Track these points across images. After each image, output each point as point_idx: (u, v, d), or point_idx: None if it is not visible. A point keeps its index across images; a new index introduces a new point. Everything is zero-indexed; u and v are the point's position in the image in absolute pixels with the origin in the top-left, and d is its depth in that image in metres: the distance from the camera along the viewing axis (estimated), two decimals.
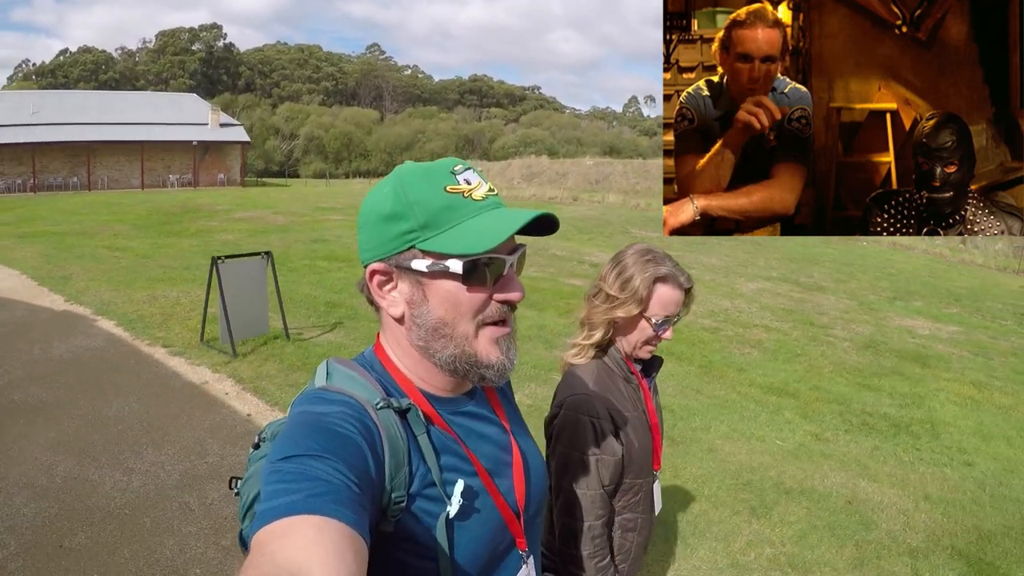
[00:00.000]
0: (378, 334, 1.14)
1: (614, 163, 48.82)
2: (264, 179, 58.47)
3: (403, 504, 0.96)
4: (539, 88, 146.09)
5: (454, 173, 1.04)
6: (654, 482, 2.04)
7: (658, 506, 2.09)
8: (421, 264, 1.01)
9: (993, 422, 7.21)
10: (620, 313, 1.91)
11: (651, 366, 2.09)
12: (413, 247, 1.01)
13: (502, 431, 1.18)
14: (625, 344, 1.98)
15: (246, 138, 47.26)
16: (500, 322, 1.06)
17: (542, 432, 1.91)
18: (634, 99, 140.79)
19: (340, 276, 11.99)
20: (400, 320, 1.06)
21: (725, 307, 12.11)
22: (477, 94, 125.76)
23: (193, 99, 50.00)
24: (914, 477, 5.51)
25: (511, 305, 1.06)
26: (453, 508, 0.99)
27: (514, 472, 1.16)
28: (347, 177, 67.74)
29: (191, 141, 42.19)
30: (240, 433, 5.21)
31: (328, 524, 0.73)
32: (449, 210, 1.01)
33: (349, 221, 21.18)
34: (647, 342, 1.95)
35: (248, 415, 5.54)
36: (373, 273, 1.05)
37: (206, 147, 43.42)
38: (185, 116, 44.17)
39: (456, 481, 1.01)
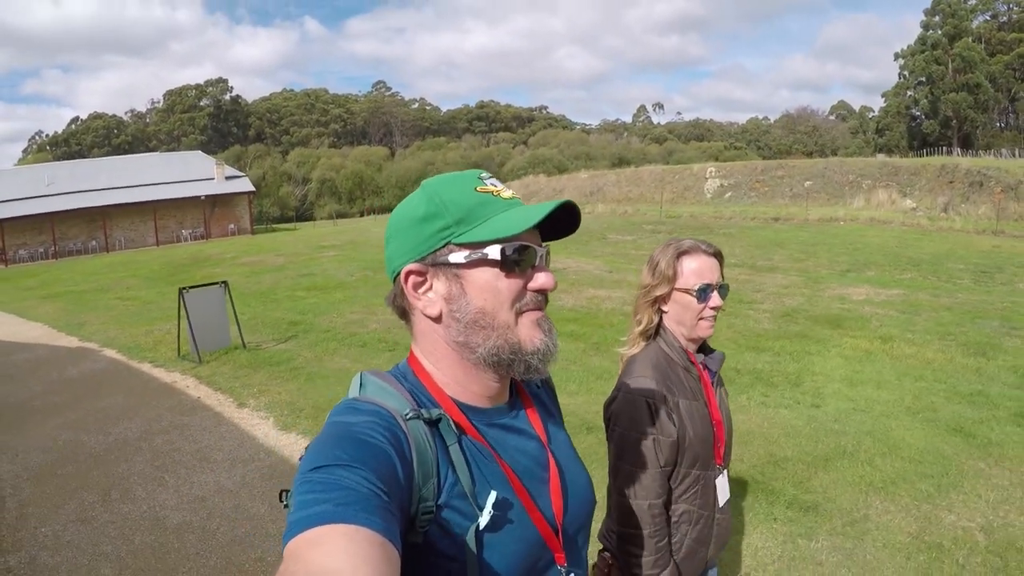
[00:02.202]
0: (412, 346, 1.16)
1: (607, 174, 49.69)
2: (275, 225, 60.81)
3: (431, 514, 0.96)
4: (546, 108, 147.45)
5: (481, 178, 1.10)
6: (716, 476, 2.06)
7: (722, 500, 2.09)
8: (459, 256, 1.04)
9: (874, 370, 8.06)
10: (657, 293, 2.01)
11: (713, 362, 2.13)
12: (449, 243, 1.05)
13: (539, 446, 1.17)
14: (679, 327, 2.04)
15: (251, 188, 49.85)
16: (538, 308, 1.09)
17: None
18: (643, 108, 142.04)
19: (312, 302, 14.07)
20: (438, 319, 1.08)
21: None
22: (485, 120, 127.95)
23: (199, 156, 53.08)
24: (743, 418, 6.26)
25: (544, 295, 1.10)
26: (484, 519, 0.98)
27: (551, 488, 1.14)
28: (361, 215, 69.33)
29: (200, 196, 44.84)
30: (188, 408, 7.28)
31: (359, 532, 0.74)
32: (482, 206, 1.06)
33: (342, 255, 23.41)
34: (699, 315, 2.00)
35: (197, 398, 7.61)
36: (408, 274, 1.08)
37: (214, 200, 46.02)
38: (192, 173, 46.85)
39: (489, 492, 1.01)
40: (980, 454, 5.56)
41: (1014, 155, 52.73)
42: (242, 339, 9.88)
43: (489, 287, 1.05)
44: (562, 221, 1.12)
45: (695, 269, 1.98)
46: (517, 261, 1.05)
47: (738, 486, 4.86)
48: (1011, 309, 11.86)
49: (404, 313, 1.14)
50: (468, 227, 1.05)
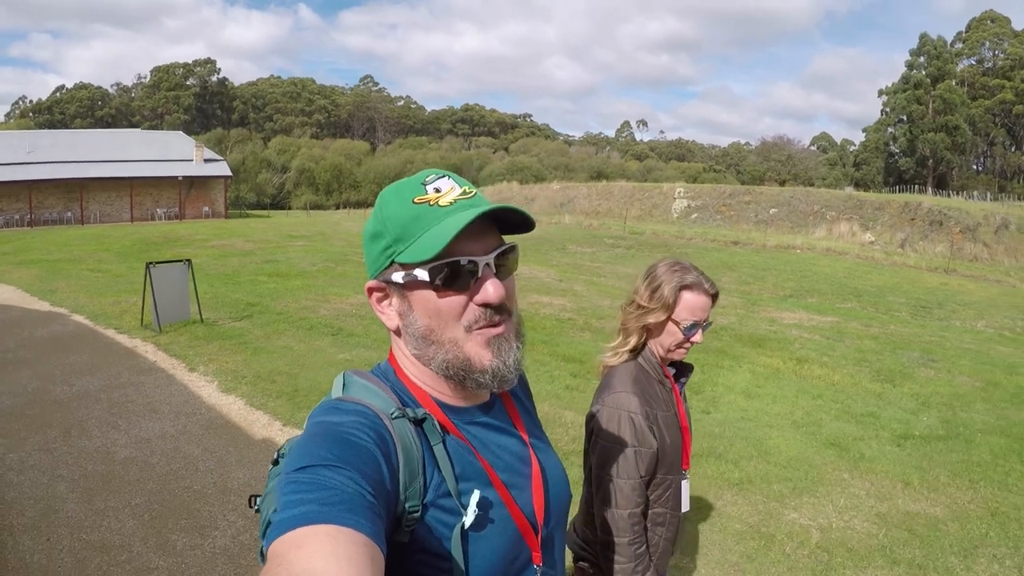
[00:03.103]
0: (391, 347, 1.17)
1: (580, 186, 50.44)
2: (250, 211, 61.24)
3: (418, 514, 0.97)
4: (530, 116, 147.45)
5: (424, 183, 1.07)
6: (682, 480, 2.20)
7: (685, 505, 2.23)
8: (399, 276, 1.04)
9: (777, 387, 8.58)
10: (651, 319, 2.08)
11: (682, 373, 2.28)
12: (393, 261, 1.04)
13: (520, 443, 1.18)
14: (659, 348, 2.14)
15: (228, 172, 50.52)
16: (491, 325, 1.05)
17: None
18: (626, 124, 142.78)
19: (272, 287, 15.07)
20: (397, 332, 1.10)
21: (599, 304, 14.43)
22: (468, 123, 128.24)
23: (180, 136, 53.62)
24: None
25: (493, 307, 1.05)
26: (468, 518, 0.99)
27: (532, 484, 1.15)
28: (337, 208, 69.74)
29: (177, 176, 45.52)
30: (144, 369, 8.24)
31: (344, 533, 0.74)
32: (415, 221, 1.03)
33: (310, 246, 24.46)
34: (679, 345, 2.11)
35: (154, 361, 8.56)
36: (371, 291, 1.11)
37: (191, 182, 46.66)
38: (172, 153, 47.50)
39: (472, 491, 1.02)
40: (847, 466, 6.07)
41: (985, 198, 53.69)
42: (200, 314, 10.83)
43: (430, 306, 1.04)
44: (517, 215, 1.07)
45: (691, 306, 2.08)
46: (448, 279, 1.02)
47: None
48: (936, 343, 12.61)
49: None
50: (404, 246, 1.03)
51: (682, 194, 42.67)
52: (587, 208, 44.50)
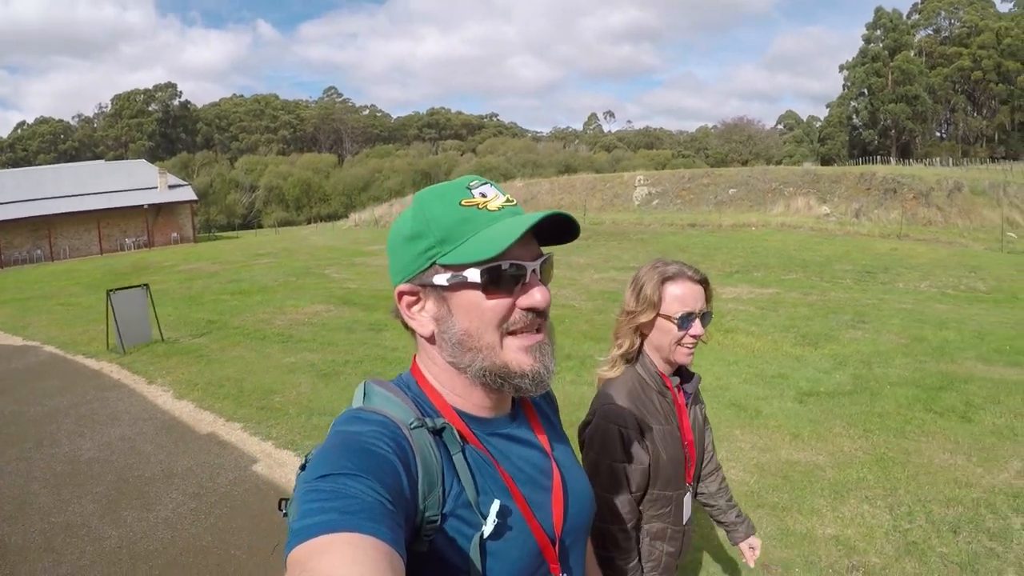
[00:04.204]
0: (415, 356, 1.18)
1: (542, 182, 50.67)
2: (219, 233, 61.86)
3: (437, 523, 0.98)
4: (497, 115, 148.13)
5: (469, 188, 1.08)
6: (685, 495, 2.13)
7: (686, 516, 2.16)
8: (442, 278, 1.04)
9: (699, 354, 9.94)
10: (641, 320, 2.05)
11: (690, 385, 2.19)
12: (435, 263, 1.05)
13: (542, 454, 1.19)
14: (657, 352, 2.09)
15: (194, 197, 51.15)
16: (529, 330, 1.07)
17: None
18: (593, 116, 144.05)
19: (233, 304, 15.92)
20: (431, 339, 1.10)
21: (551, 294, 15.41)
22: (435, 127, 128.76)
23: (143, 164, 54.10)
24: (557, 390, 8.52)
25: (537, 312, 1.07)
26: (488, 528, 1.00)
27: (553, 497, 1.16)
28: (308, 223, 70.14)
29: (143, 205, 46.09)
30: (109, 386, 9.13)
31: (364, 541, 0.75)
32: (465, 223, 1.04)
33: (274, 263, 25.38)
34: (678, 342, 2.04)
35: (118, 379, 9.47)
36: (401, 295, 1.10)
37: (158, 209, 47.27)
38: (136, 182, 48.00)
39: (491, 502, 1.02)
40: (741, 424, 6.52)
41: (948, 164, 54.77)
42: (161, 334, 11.73)
43: (473, 308, 1.04)
44: (561, 226, 1.08)
45: (679, 296, 2.02)
46: (498, 282, 1.03)
47: None
48: (872, 306, 13.23)
49: (407, 326, 1.14)
50: (450, 247, 1.04)
51: (642, 182, 43.14)
52: (550, 202, 44.57)
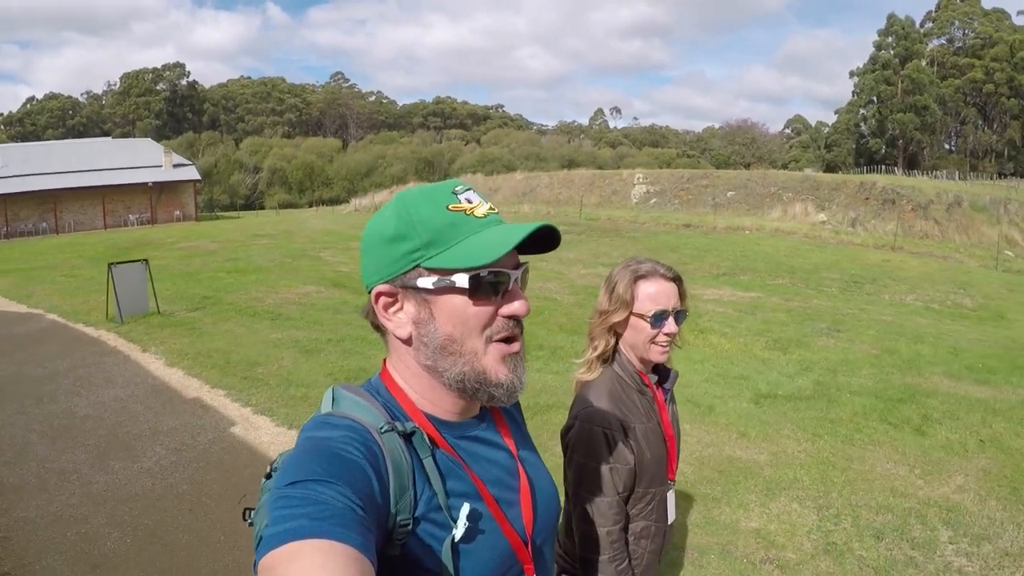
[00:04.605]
0: (384, 360, 1.18)
1: (541, 176, 50.42)
2: (221, 213, 62.36)
3: (408, 527, 0.98)
4: (503, 106, 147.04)
5: (455, 193, 1.08)
6: (668, 491, 2.15)
7: (671, 516, 2.18)
8: (427, 282, 1.04)
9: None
10: (614, 319, 2.04)
11: (666, 379, 2.21)
12: (418, 266, 1.05)
13: (509, 456, 1.21)
14: (632, 350, 2.09)
15: (197, 176, 51.99)
16: (508, 340, 1.09)
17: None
18: (600, 111, 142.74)
19: (228, 282, 16.48)
20: (408, 341, 1.09)
21: (536, 287, 15.08)
22: (440, 116, 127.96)
23: (148, 143, 54.88)
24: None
25: (517, 320, 1.09)
26: (459, 531, 1.01)
27: (521, 499, 1.18)
28: (310, 206, 70.14)
29: (147, 183, 46.79)
30: (106, 352, 9.73)
31: (335, 547, 0.75)
32: (453, 227, 1.05)
33: (272, 244, 25.78)
34: (652, 340, 2.04)
35: (115, 347, 10.06)
36: (379, 295, 1.09)
37: (161, 187, 47.93)
38: (141, 160, 48.67)
39: (462, 505, 1.04)
40: (692, 419, 6.65)
41: (955, 177, 54.22)
42: (157, 307, 12.32)
43: (457, 314, 1.05)
44: (544, 236, 1.09)
45: (651, 294, 2.02)
46: (485, 288, 1.04)
47: None
48: (852, 315, 13.29)
49: (379, 327, 1.15)
50: (437, 251, 1.04)
51: (641, 180, 42.97)
52: (548, 197, 44.54)
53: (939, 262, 24.33)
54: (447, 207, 1.06)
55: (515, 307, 1.08)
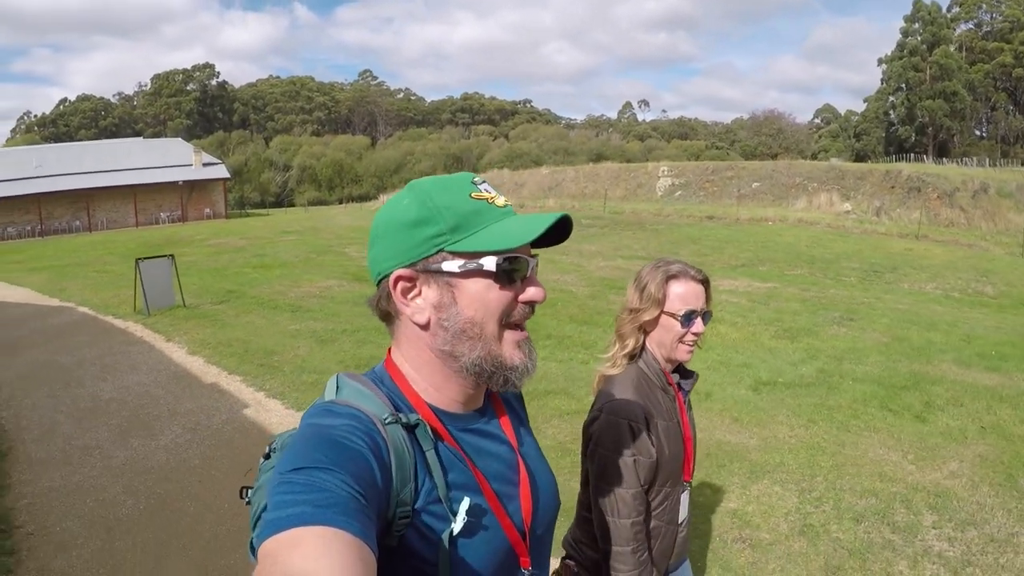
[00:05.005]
0: (389, 349, 1.18)
1: (567, 170, 50.31)
2: (250, 210, 63.31)
3: (408, 519, 0.99)
4: (530, 101, 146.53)
5: (474, 183, 1.11)
6: (682, 492, 2.18)
7: (683, 514, 2.20)
8: (452, 265, 1.05)
9: None
10: (645, 318, 2.08)
11: (687, 383, 2.24)
12: (442, 250, 1.05)
13: (510, 450, 1.21)
14: (660, 349, 2.13)
15: (227, 175, 53.14)
16: (520, 327, 1.11)
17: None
18: (628, 104, 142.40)
19: (254, 276, 16.97)
20: (425, 326, 1.09)
21: (553, 279, 15.36)
22: (469, 112, 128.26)
23: (179, 143, 56.06)
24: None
25: (532, 307, 1.11)
26: (457, 525, 1.02)
27: (521, 492, 1.18)
28: (340, 203, 71.10)
29: (178, 181, 47.90)
30: (132, 342, 10.20)
31: (336, 535, 0.75)
32: (477, 214, 1.07)
33: (299, 240, 26.26)
34: (680, 339, 2.09)
35: (140, 336, 10.52)
36: (398, 280, 1.08)
37: (192, 186, 49.07)
38: (172, 159, 49.86)
39: (462, 498, 1.04)
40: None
41: (985, 164, 52.99)
42: (183, 300, 12.79)
43: (480, 298, 1.06)
44: (554, 230, 1.10)
45: (681, 294, 2.06)
46: (511, 273, 1.07)
47: None
48: (868, 304, 13.18)
49: (387, 316, 1.15)
50: (463, 235, 1.05)
51: (666, 172, 42.82)
52: (574, 191, 44.56)
53: (964, 250, 24.09)
54: (470, 195, 1.08)
55: (533, 293, 1.10)
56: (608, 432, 1.97)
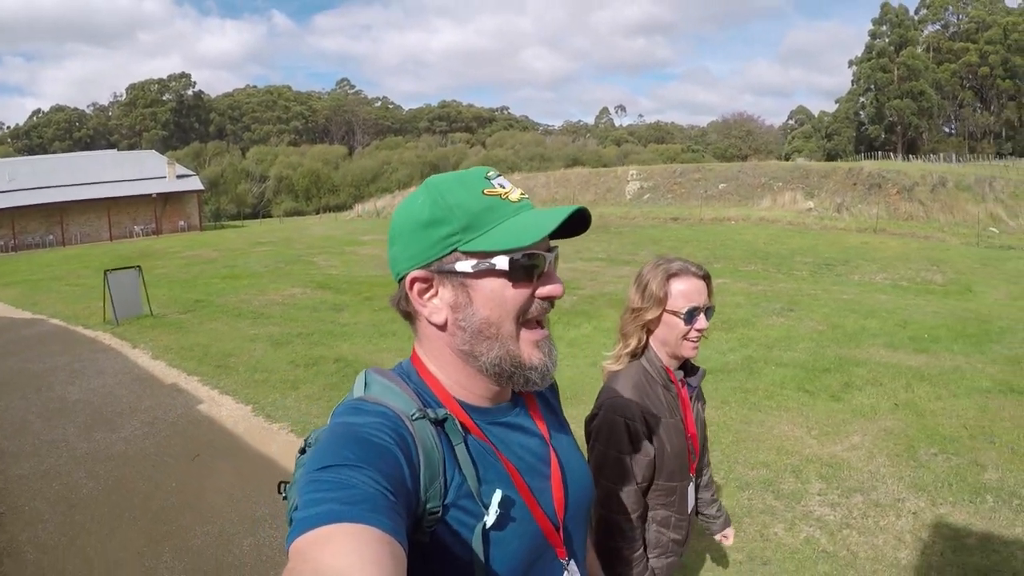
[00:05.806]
0: (414, 345, 1.18)
1: (538, 176, 51.10)
2: (227, 222, 63.48)
3: (438, 514, 0.99)
4: (507, 108, 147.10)
5: (488, 178, 1.09)
6: (689, 484, 2.23)
7: (690, 504, 2.25)
8: (466, 265, 1.05)
9: (602, 335, 9.88)
10: (648, 316, 2.10)
11: (694, 378, 2.27)
12: (455, 250, 1.05)
13: (541, 442, 1.20)
14: (664, 347, 2.15)
15: (201, 187, 53.23)
16: (539, 325, 1.11)
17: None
18: (605, 110, 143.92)
19: (221, 286, 17.60)
20: (443, 327, 1.09)
21: None
22: (446, 120, 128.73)
23: (153, 155, 56.23)
24: None
25: (551, 302, 1.10)
26: (490, 518, 1.01)
27: (552, 484, 1.18)
28: (316, 213, 71.22)
29: (151, 194, 48.10)
30: (100, 349, 10.85)
31: (366, 532, 0.76)
32: (490, 211, 1.05)
33: (271, 251, 26.78)
34: (684, 336, 2.10)
35: (109, 344, 11.18)
36: (414, 281, 1.08)
37: (166, 198, 49.25)
38: (146, 171, 50.03)
39: (493, 492, 1.04)
40: (594, 391, 7.49)
41: (952, 160, 55.22)
42: (150, 309, 13.46)
43: (496, 297, 1.06)
44: (572, 221, 1.09)
45: (683, 291, 2.08)
46: (526, 270, 1.05)
47: None
48: (811, 295, 13.64)
49: (408, 316, 1.15)
50: (475, 234, 1.05)
51: (635, 176, 43.83)
52: (544, 196, 44.79)
53: (919, 242, 25.04)
54: (482, 192, 1.07)
55: (552, 288, 1.10)
56: (605, 429, 2.02)
